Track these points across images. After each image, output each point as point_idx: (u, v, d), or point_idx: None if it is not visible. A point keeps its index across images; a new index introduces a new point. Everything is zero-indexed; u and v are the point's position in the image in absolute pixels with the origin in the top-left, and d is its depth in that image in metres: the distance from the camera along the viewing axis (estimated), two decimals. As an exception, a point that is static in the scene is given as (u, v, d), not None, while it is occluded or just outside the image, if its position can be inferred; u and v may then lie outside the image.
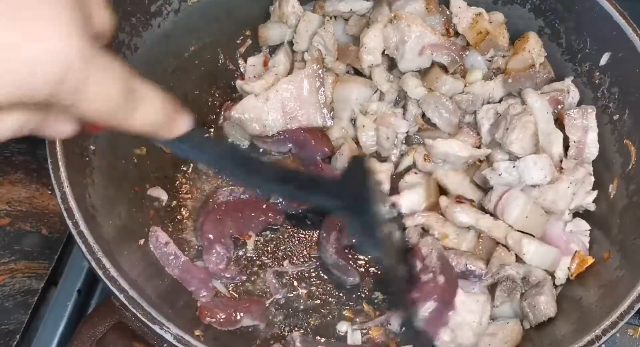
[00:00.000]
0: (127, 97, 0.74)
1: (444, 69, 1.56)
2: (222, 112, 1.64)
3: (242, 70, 1.68)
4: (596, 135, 1.47)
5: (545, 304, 1.35)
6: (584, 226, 1.46)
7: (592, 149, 1.47)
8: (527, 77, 1.50)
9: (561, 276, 1.42)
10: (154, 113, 0.81)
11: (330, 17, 1.62)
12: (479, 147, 1.52)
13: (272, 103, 1.53)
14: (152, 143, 0.90)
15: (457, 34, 1.60)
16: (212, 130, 1.63)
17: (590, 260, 1.40)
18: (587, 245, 1.44)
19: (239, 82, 1.61)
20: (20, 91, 0.62)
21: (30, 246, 1.56)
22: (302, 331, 1.41)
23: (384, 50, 1.55)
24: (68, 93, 0.66)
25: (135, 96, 0.76)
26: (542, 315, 1.34)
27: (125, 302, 1.06)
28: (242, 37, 1.70)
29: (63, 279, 1.53)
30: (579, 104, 1.54)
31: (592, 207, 1.47)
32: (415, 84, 1.54)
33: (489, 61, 1.60)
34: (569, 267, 1.41)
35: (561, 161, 1.47)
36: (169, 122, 0.84)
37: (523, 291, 1.38)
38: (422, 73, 1.58)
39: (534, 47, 1.52)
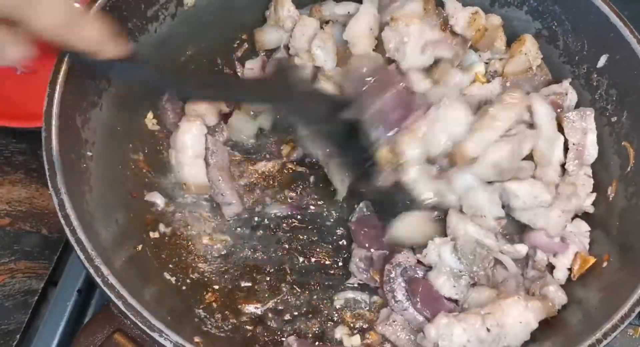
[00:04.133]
0: (72, 12, 0.91)
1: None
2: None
3: (239, 74, 1.67)
4: (595, 137, 1.47)
5: (554, 293, 1.35)
6: (584, 226, 1.45)
7: (592, 151, 1.47)
8: (525, 80, 1.50)
9: (560, 276, 1.41)
10: (94, 30, 0.99)
11: (327, 22, 1.62)
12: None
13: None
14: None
15: (454, 34, 1.59)
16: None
17: (592, 260, 1.40)
18: (587, 246, 1.44)
19: None
20: None
21: (30, 246, 1.57)
22: (300, 336, 1.40)
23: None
24: (21, 6, 0.82)
25: (80, 16, 0.94)
26: (555, 304, 1.34)
27: (124, 309, 1.05)
28: (238, 41, 1.69)
29: (63, 279, 1.53)
30: (577, 106, 1.54)
31: (591, 210, 1.47)
32: (419, 78, 1.53)
33: (487, 63, 1.60)
34: (569, 268, 1.41)
35: (562, 165, 1.47)
36: (107, 42, 1.01)
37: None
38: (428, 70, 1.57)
39: (530, 50, 1.52)
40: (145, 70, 1.13)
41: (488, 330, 1.24)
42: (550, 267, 1.43)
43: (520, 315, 1.26)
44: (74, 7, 0.95)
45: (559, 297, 1.34)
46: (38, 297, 1.51)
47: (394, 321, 1.39)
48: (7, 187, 1.63)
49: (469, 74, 1.56)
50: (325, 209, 1.56)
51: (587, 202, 1.47)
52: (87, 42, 0.99)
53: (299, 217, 1.55)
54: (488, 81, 1.57)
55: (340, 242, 1.53)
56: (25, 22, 0.86)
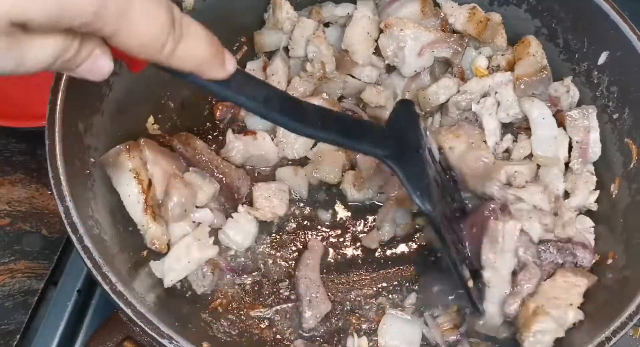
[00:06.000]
0: (172, 26, 0.70)
1: (447, 63, 1.57)
2: (216, 112, 1.62)
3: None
4: (598, 135, 1.48)
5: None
6: (588, 222, 1.46)
7: (595, 149, 1.48)
8: (540, 81, 1.49)
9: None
10: (198, 47, 0.77)
11: (327, 24, 1.62)
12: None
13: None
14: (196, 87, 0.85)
15: (454, 33, 1.59)
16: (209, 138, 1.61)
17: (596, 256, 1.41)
18: (593, 241, 1.44)
19: None
20: (62, 9, 0.58)
21: (30, 246, 1.57)
22: (308, 339, 1.40)
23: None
24: (111, 17, 0.62)
25: (180, 27, 0.72)
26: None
27: (134, 317, 1.04)
28: (237, 44, 1.69)
29: (63, 279, 1.53)
30: (579, 104, 1.54)
31: (595, 207, 1.48)
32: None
33: (488, 58, 1.60)
34: None
35: (567, 164, 1.47)
36: (213, 59, 0.80)
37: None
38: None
39: (536, 51, 1.51)
40: (249, 100, 0.93)
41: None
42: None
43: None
44: (177, 15, 0.72)
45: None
46: (38, 297, 1.51)
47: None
48: (7, 187, 1.62)
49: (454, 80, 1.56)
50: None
51: (590, 199, 1.48)
52: (189, 62, 0.78)
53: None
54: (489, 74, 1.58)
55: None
56: (116, 38, 0.66)
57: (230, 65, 0.84)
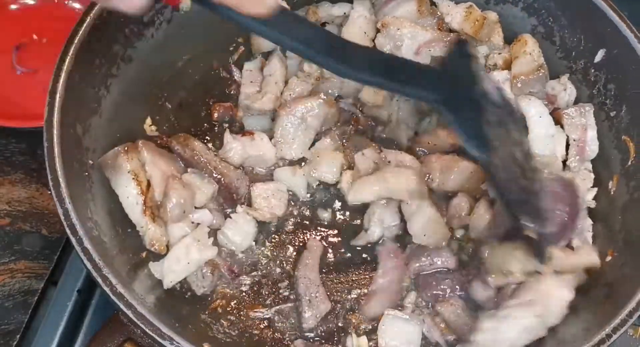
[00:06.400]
0: None
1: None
2: (214, 113, 1.62)
3: (236, 77, 1.67)
4: (595, 133, 1.48)
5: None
6: (587, 221, 1.46)
7: (593, 147, 1.48)
8: (537, 79, 1.50)
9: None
10: None
11: (324, 23, 1.62)
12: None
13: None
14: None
15: (451, 31, 1.59)
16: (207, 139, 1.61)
17: None
18: (590, 240, 1.44)
19: (244, 103, 1.59)
20: None
21: (30, 246, 1.56)
22: (307, 339, 1.40)
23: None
24: None
25: None
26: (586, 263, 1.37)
27: (134, 318, 1.04)
28: (234, 45, 1.69)
29: (63, 279, 1.52)
30: (576, 101, 1.54)
31: (593, 205, 1.48)
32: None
33: (485, 57, 1.60)
34: None
35: (564, 161, 1.47)
36: None
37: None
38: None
39: (533, 49, 1.52)
40: (291, 40, 0.92)
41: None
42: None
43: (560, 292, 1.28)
44: None
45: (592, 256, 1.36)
46: (38, 297, 1.50)
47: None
48: (7, 187, 1.62)
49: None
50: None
51: (588, 197, 1.48)
52: None
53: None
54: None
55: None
56: None
57: (269, 2, 0.84)
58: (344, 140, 1.59)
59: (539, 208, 1.23)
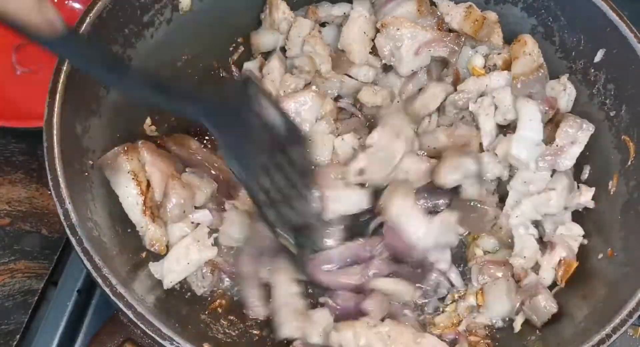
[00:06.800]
0: None
1: (444, 62, 1.58)
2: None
3: (236, 77, 1.67)
4: (579, 151, 1.47)
5: (545, 302, 1.36)
6: (577, 230, 1.47)
7: (567, 162, 1.46)
8: (536, 79, 1.49)
9: (546, 275, 1.44)
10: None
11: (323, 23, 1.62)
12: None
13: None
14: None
15: (450, 31, 1.59)
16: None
17: (575, 263, 1.43)
18: (576, 250, 1.45)
19: None
20: None
21: (30, 246, 1.57)
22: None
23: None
24: None
25: None
26: (545, 313, 1.36)
27: (134, 318, 1.04)
28: (234, 45, 1.69)
29: (63, 279, 1.53)
30: (576, 101, 1.54)
31: (592, 205, 1.48)
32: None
33: (485, 57, 1.60)
34: (554, 268, 1.44)
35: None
36: (39, 9, 0.91)
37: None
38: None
39: (532, 49, 1.51)
40: (76, 58, 1.08)
41: None
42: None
43: None
44: None
45: (550, 307, 1.37)
46: (38, 297, 1.50)
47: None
48: (7, 187, 1.63)
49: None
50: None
51: (586, 197, 1.48)
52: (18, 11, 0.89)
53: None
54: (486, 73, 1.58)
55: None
56: None
57: (55, 23, 0.96)
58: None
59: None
